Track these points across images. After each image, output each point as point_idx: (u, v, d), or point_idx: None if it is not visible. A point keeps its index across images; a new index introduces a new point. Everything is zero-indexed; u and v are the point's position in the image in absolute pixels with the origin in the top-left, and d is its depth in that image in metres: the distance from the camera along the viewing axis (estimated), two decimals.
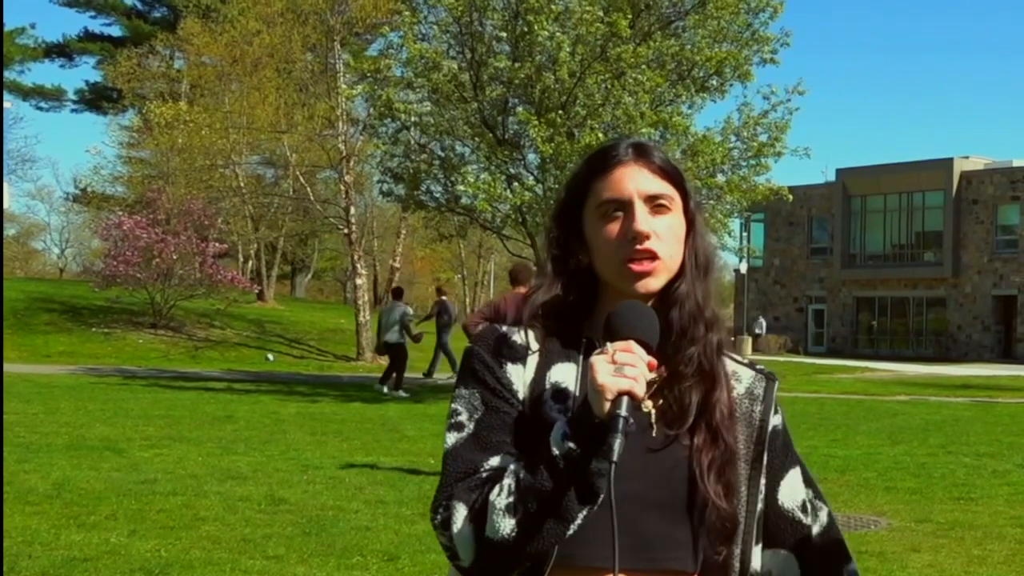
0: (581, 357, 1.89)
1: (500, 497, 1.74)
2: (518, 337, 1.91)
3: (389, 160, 23.44)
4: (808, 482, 2.05)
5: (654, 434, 1.78)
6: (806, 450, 13.97)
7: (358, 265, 33.95)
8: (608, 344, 1.74)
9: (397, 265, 36.66)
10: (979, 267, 49.97)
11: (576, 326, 1.92)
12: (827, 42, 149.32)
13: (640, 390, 1.70)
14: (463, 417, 1.86)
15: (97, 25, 58.47)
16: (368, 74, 23.55)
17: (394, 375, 22.20)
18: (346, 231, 33.76)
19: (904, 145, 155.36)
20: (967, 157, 51.59)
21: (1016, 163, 50.62)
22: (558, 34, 20.82)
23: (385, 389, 21.92)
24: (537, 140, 20.81)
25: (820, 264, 55.38)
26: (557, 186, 21.40)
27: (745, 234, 46.88)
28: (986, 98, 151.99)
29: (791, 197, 23.84)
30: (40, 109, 60.17)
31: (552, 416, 1.82)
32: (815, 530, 2.02)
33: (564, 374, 1.88)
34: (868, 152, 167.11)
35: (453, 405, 1.89)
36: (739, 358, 2.03)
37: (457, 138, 23.06)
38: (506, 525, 1.73)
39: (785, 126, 22.12)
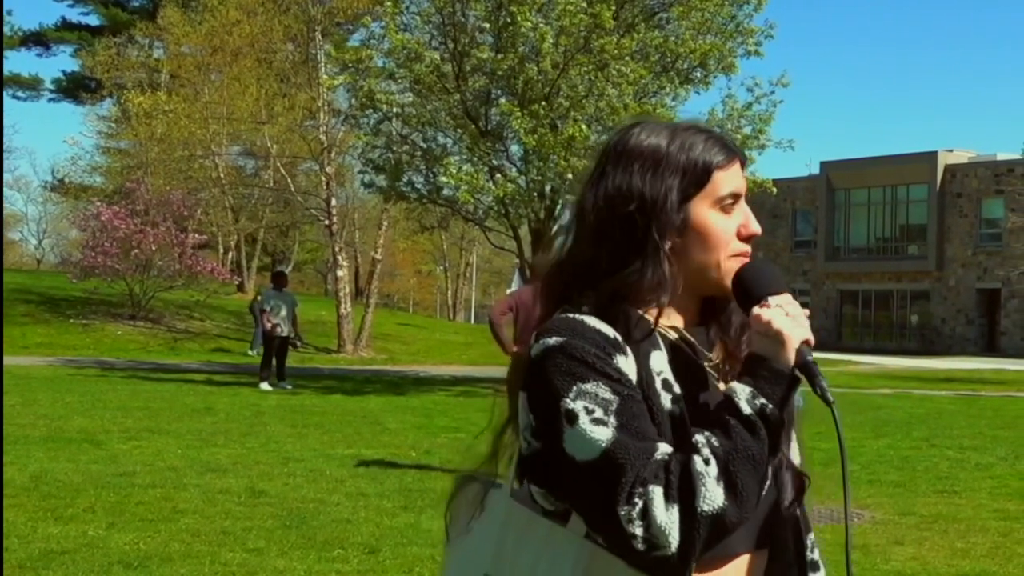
0: (664, 346, 1.85)
1: (709, 467, 1.67)
2: (606, 328, 1.81)
3: (371, 151, 23.32)
4: None
5: None
6: None
7: (339, 257, 33.83)
8: (770, 298, 1.78)
9: (379, 257, 36.50)
10: (963, 260, 50.14)
11: (644, 314, 1.86)
12: (811, 35, 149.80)
13: (812, 337, 1.77)
14: (599, 413, 1.73)
15: (75, 14, 58.12)
16: (350, 64, 23.41)
17: (277, 366, 21.06)
18: (327, 223, 33.62)
19: (888, 138, 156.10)
20: (951, 150, 51.73)
21: (1000, 156, 50.81)
22: (541, 25, 20.76)
23: (288, 385, 20.90)
24: (520, 132, 20.74)
25: (804, 257, 55.51)
26: (540, 178, 21.37)
27: None
28: (970, 91, 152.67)
29: (775, 190, 23.83)
30: (17, 98, 59.85)
31: (667, 406, 1.77)
32: None
33: (661, 364, 1.82)
34: (852, 145, 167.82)
35: (581, 403, 1.73)
36: None
37: (439, 129, 22.98)
38: (719, 494, 1.66)
39: (769, 118, 22.11)
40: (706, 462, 1.67)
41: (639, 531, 1.66)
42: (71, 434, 12.96)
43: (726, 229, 1.85)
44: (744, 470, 1.67)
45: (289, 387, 20.73)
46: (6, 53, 57.37)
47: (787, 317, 1.74)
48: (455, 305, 76.52)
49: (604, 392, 1.73)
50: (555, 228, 23.34)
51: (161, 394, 18.73)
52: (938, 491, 10.52)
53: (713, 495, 1.65)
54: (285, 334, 20.96)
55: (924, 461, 12.59)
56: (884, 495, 10.24)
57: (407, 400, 19.57)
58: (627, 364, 1.78)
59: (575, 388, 1.73)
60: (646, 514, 1.65)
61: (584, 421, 1.71)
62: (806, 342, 1.74)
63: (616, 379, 1.75)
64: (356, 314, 33.55)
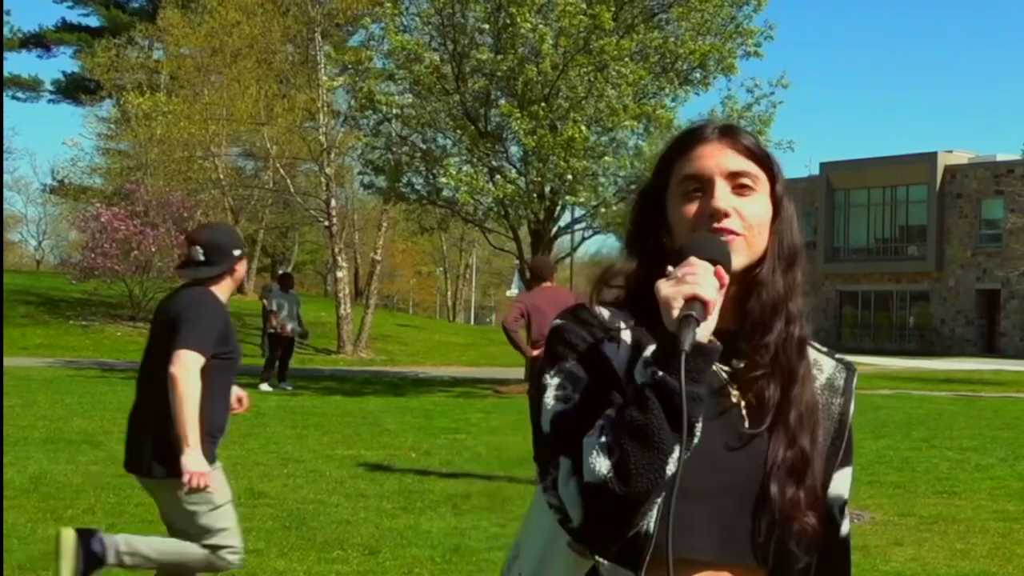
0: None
1: (593, 438, 1.67)
2: (608, 315, 1.84)
3: (370, 152, 23.33)
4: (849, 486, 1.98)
5: (747, 425, 1.76)
6: None
7: (339, 258, 33.81)
8: (669, 268, 1.71)
9: (378, 258, 36.47)
10: (962, 261, 50.10)
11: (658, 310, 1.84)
12: (811, 35, 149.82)
13: (707, 293, 1.65)
14: (568, 390, 1.77)
15: (74, 15, 58.06)
16: (349, 66, 23.47)
17: (280, 367, 21.17)
18: (327, 224, 33.62)
19: (888, 139, 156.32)
20: (951, 151, 51.67)
21: (1000, 157, 50.74)
22: (541, 26, 20.77)
23: (288, 386, 20.92)
24: (519, 133, 20.76)
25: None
26: (539, 179, 21.38)
27: None
28: (970, 92, 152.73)
29: None
30: (17, 100, 59.80)
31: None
32: (840, 535, 1.94)
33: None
34: (852, 146, 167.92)
35: (556, 379, 1.78)
36: (820, 347, 1.97)
37: (439, 130, 22.99)
38: (602, 465, 1.64)
39: (769, 119, 22.15)
40: (594, 432, 1.68)
41: (552, 500, 1.72)
42: (71, 435, 12.94)
43: (684, 214, 1.83)
44: (628, 441, 1.64)
45: (289, 388, 20.75)
46: (6, 54, 57.44)
47: (671, 281, 1.67)
48: (455, 306, 76.51)
49: (579, 371, 1.78)
50: (554, 229, 23.38)
51: None
52: (938, 492, 10.51)
53: (594, 466, 1.65)
54: (291, 334, 21.13)
55: (924, 462, 12.57)
56: (884, 496, 10.23)
57: (407, 401, 19.55)
58: (618, 349, 1.79)
59: (556, 366, 1.79)
60: (555, 486, 1.71)
61: (549, 396, 1.77)
62: (694, 297, 1.64)
63: (595, 360, 1.78)
64: (356, 315, 33.53)
